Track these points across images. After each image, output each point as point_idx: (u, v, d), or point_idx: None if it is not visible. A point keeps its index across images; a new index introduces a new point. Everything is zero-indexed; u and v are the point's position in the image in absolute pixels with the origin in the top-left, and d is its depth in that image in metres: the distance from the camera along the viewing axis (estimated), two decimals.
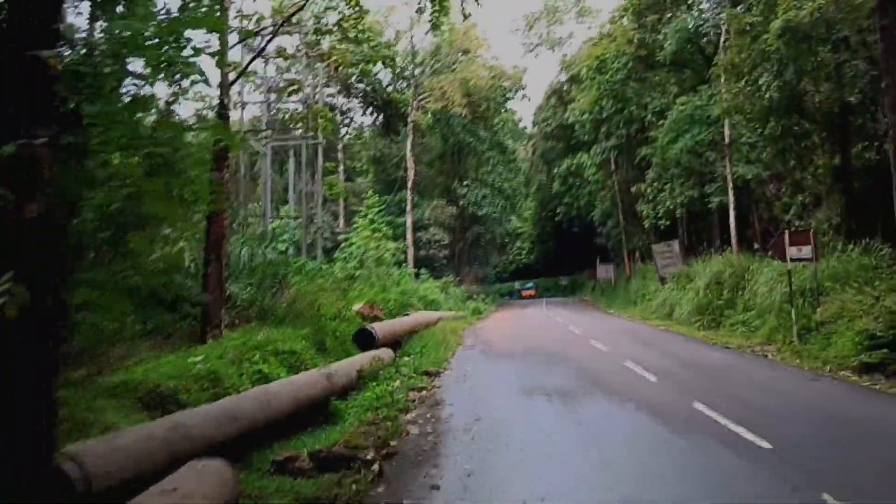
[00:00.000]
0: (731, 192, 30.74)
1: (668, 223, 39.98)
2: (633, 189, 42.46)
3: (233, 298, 18.16)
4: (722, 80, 30.49)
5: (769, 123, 27.00)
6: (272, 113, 47.61)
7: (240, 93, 42.23)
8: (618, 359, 18.16)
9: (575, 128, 51.59)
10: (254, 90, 48.09)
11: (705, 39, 40.48)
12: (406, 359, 18.44)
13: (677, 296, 33.22)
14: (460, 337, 26.24)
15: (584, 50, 53.10)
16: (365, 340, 18.32)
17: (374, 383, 14.21)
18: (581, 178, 69.78)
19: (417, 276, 49.15)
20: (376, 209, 51.68)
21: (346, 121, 61.05)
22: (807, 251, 18.28)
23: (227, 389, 11.06)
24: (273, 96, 46.46)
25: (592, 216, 70.24)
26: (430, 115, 54.64)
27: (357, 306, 24.32)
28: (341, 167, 56.07)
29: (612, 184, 52.99)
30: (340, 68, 54.34)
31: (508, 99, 59.47)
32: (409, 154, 53.13)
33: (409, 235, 52.25)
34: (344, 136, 59.61)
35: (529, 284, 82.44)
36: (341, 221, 55.50)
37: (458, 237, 59.49)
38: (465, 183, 56.59)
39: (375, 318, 23.08)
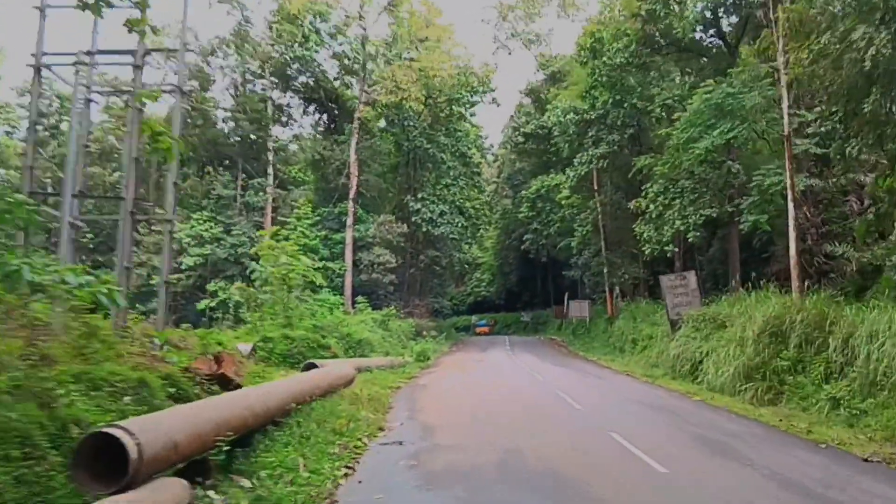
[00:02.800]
0: (790, 206, 20.71)
1: (674, 250, 29.95)
2: (632, 205, 32.40)
3: None
4: (780, 44, 20.71)
5: (871, 97, 17.05)
6: None
7: None
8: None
9: (553, 133, 41.61)
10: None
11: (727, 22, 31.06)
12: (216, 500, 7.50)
13: (700, 347, 23.09)
14: (384, 411, 15.34)
15: (566, 49, 43.53)
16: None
17: None
18: (553, 202, 60.12)
19: (354, 304, 38.31)
20: (309, 221, 40.90)
21: (284, 119, 50.23)
22: None
23: None
24: None
25: (562, 246, 60.57)
26: (380, 112, 44.27)
27: (212, 356, 13.48)
28: (270, 171, 45.11)
29: (594, 205, 43.02)
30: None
31: (474, 102, 49.30)
32: (352, 156, 42.50)
33: (348, 255, 41.46)
34: (275, 139, 48.74)
35: (483, 321, 71.73)
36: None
37: (409, 261, 48.77)
38: (419, 196, 46.06)
39: (225, 381, 12.16)
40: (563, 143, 39.65)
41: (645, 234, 30.84)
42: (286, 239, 25.91)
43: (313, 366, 18.10)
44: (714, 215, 28.81)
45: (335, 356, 22.08)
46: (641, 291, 41.24)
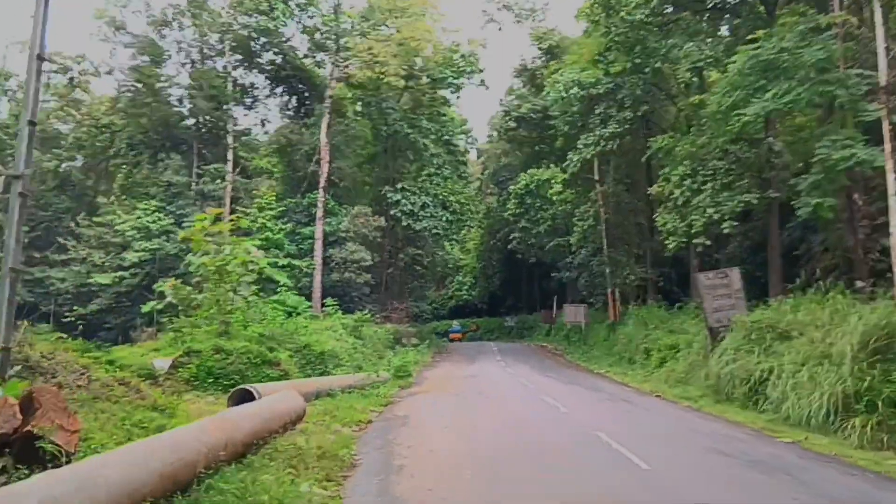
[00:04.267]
0: (892, 179, 15.26)
1: (706, 243, 24.39)
2: (653, 190, 26.96)
3: None
4: None
5: None
6: None
7: None
8: None
9: (551, 116, 35.99)
10: None
11: None
12: None
13: (760, 363, 17.71)
14: (341, 476, 9.32)
15: (562, 25, 37.83)
16: None
17: None
18: (543, 198, 54.57)
19: (324, 307, 32.46)
20: (272, 212, 34.94)
21: (248, 100, 44.16)
22: None
23: None
24: None
25: (552, 246, 55.09)
26: (355, 92, 38.49)
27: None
28: (230, 157, 39.03)
29: (595, 197, 37.54)
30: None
31: (460, 86, 43.54)
32: (323, 139, 36.65)
33: (317, 251, 35.57)
34: (236, 120, 42.65)
35: (457, 327, 65.79)
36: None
37: (387, 259, 42.92)
38: (399, 186, 40.22)
39: (29, 447, 6.32)
40: (563, 124, 34.08)
41: (668, 225, 25.35)
42: (239, 229, 19.91)
43: (248, 395, 12.38)
44: (754, 201, 23.42)
45: (285, 375, 16.26)
46: (651, 294, 35.84)
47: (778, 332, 18.23)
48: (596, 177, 37.67)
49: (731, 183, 24.17)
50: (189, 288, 20.22)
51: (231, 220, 17.63)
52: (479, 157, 67.14)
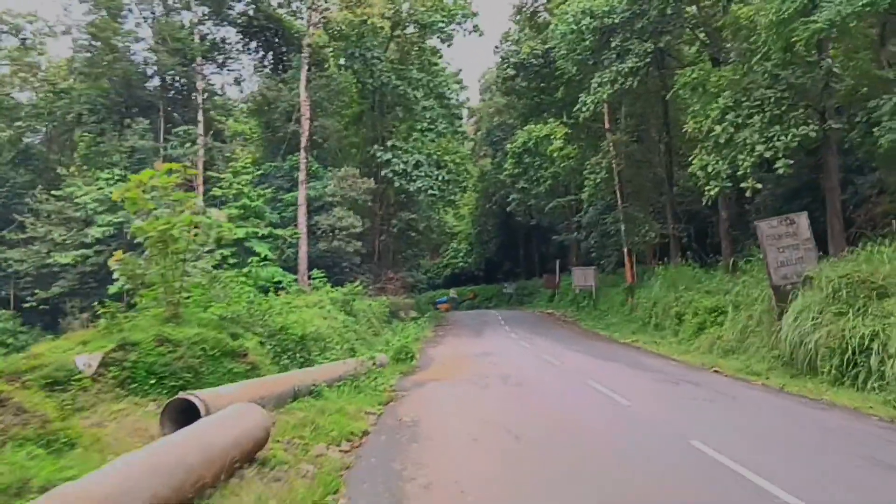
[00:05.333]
0: None
1: (756, 186, 20.21)
2: (688, 128, 22.75)
3: None
4: None
5: None
6: None
7: None
8: None
9: (555, 57, 31.48)
10: None
11: None
12: None
13: (855, 328, 13.85)
14: None
15: None
16: None
17: None
18: (543, 156, 50.33)
19: (311, 279, 28.38)
20: (249, 177, 30.61)
21: (219, 57, 39.38)
22: None
23: None
24: None
25: (552, 207, 51.10)
26: (335, 40, 33.94)
27: None
28: (201, 118, 34.43)
29: (606, 147, 33.30)
30: None
31: (450, 34, 38.87)
32: (303, 93, 32.15)
33: (301, 217, 31.31)
34: (206, 78, 37.93)
35: (443, 298, 61.37)
36: (199, 199, 33.87)
37: (379, 226, 38.67)
38: (388, 144, 35.79)
39: None
40: (572, 65, 29.64)
41: (709, 167, 21.18)
42: (188, 182, 15.45)
43: (192, 409, 8.39)
44: (812, 134, 19.30)
45: (253, 369, 12.18)
46: (674, 252, 31.84)
47: (873, 287, 14.35)
48: (606, 125, 33.38)
49: (782, 115, 20.04)
50: (140, 262, 15.91)
51: (177, 173, 13.41)
52: (471, 117, 62.54)
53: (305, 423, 9.63)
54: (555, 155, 48.36)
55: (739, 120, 20.64)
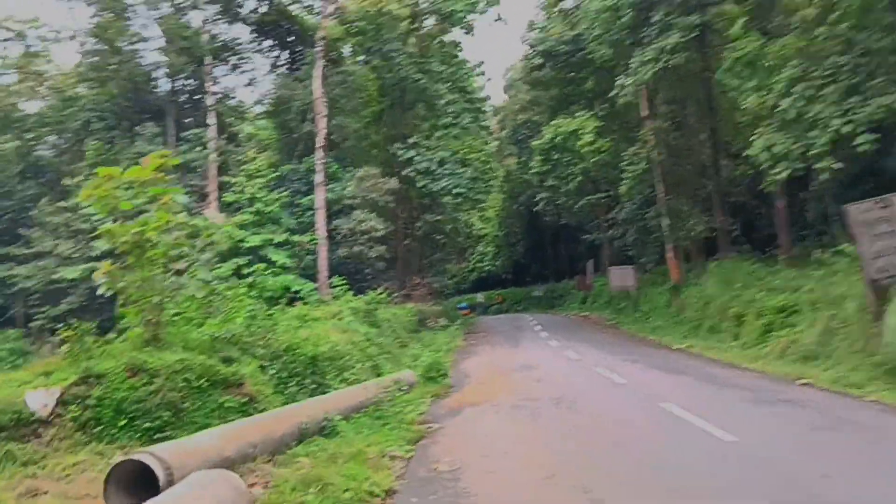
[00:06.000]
0: None
1: (832, 166, 17.34)
2: (751, 102, 19.84)
3: None
4: None
5: None
6: None
7: None
8: None
9: (586, 39, 28.80)
10: None
11: None
12: None
13: None
14: None
15: None
16: None
17: None
18: (572, 152, 47.61)
19: (335, 288, 26.00)
20: (262, 180, 28.39)
21: (232, 58, 37.31)
22: None
23: None
24: None
25: (583, 205, 48.46)
26: (351, 38, 31.67)
27: None
28: (212, 121, 32.30)
29: (646, 136, 30.45)
30: None
31: (471, 25, 36.36)
32: (317, 90, 29.87)
33: (320, 222, 29.00)
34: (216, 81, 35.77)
35: (464, 304, 58.61)
36: (213, 206, 31.72)
37: (403, 229, 36.23)
38: (410, 142, 33.35)
39: None
40: (608, 46, 26.97)
41: (776, 148, 18.37)
42: (168, 171, 12.96)
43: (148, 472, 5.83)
44: None
45: (250, 402, 9.73)
46: (723, 246, 28.92)
47: None
48: (644, 112, 30.59)
49: (860, 84, 17.24)
50: (129, 274, 13.54)
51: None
52: (495, 115, 59.97)
53: (309, 481, 7.12)
54: (584, 150, 45.70)
55: (811, 92, 17.85)
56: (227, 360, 10.32)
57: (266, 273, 21.54)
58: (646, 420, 10.46)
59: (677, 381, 14.52)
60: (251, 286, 17.16)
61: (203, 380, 9.56)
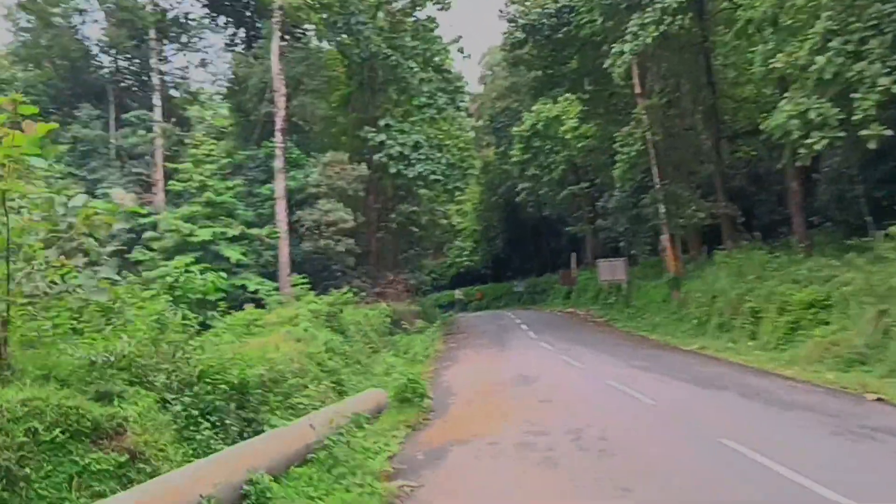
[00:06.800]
0: None
1: (883, 133, 14.48)
2: (779, 60, 16.85)
3: None
4: None
5: None
6: None
7: None
8: None
9: (570, 13, 25.77)
10: None
11: None
12: None
13: None
14: None
15: None
16: None
17: None
18: (554, 139, 44.74)
19: (294, 287, 22.75)
20: (213, 167, 24.94)
21: (181, 35, 33.64)
22: None
23: None
24: None
25: (565, 196, 45.70)
26: (315, 11, 28.35)
27: None
28: (158, 101, 28.70)
29: (639, 115, 27.49)
30: None
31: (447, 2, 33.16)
32: (275, 65, 26.48)
33: (280, 213, 25.65)
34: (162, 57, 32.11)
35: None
36: (160, 196, 28.17)
37: (376, 222, 32.92)
38: (381, 124, 30.03)
39: None
40: (599, 13, 23.95)
41: (811, 114, 15.41)
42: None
43: None
44: None
45: (131, 461, 6.44)
46: (728, 235, 26.11)
47: None
48: (638, 90, 27.64)
49: None
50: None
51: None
52: (472, 102, 56.78)
53: None
54: (568, 136, 42.83)
55: (851, 47, 14.96)
56: (104, 396, 7.04)
57: (187, 269, 17.71)
58: (714, 471, 7.33)
59: (719, 399, 11.47)
60: (172, 287, 13.80)
61: (58, 430, 6.27)
